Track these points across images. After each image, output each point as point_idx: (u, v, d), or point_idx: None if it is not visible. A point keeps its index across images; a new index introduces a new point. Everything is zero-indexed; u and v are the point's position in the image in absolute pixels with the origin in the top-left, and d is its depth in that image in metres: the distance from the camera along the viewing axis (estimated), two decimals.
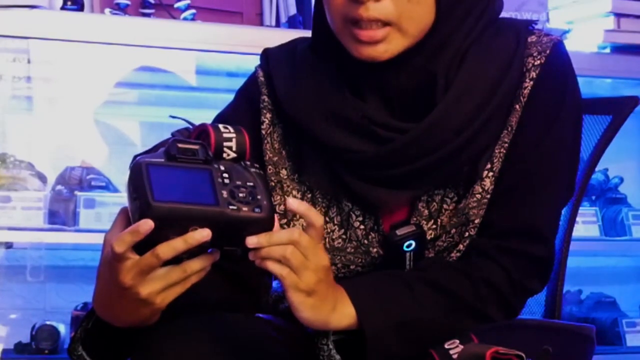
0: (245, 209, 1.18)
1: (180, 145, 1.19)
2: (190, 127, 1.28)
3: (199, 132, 1.24)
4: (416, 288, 1.33)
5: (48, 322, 2.64)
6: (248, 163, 1.23)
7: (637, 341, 3.04)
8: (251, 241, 1.18)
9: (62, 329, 2.65)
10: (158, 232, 1.14)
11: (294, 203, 1.22)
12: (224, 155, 1.22)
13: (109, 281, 1.19)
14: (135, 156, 1.22)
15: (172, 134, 1.28)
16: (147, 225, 1.13)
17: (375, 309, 1.30)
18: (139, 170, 1.16)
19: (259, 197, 1.20)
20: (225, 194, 1.18)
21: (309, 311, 1.25)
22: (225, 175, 1.20)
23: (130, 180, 1.17)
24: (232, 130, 1.24)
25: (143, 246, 1.15)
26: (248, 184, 1.20)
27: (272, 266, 1.21)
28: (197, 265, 1.18)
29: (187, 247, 1.15)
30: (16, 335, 2.69)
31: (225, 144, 1.23)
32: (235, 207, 1.17)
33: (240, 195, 1.19)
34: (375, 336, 1.29)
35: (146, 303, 1.19)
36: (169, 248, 1.14)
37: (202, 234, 1.15)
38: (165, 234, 1.15)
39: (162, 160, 1.18)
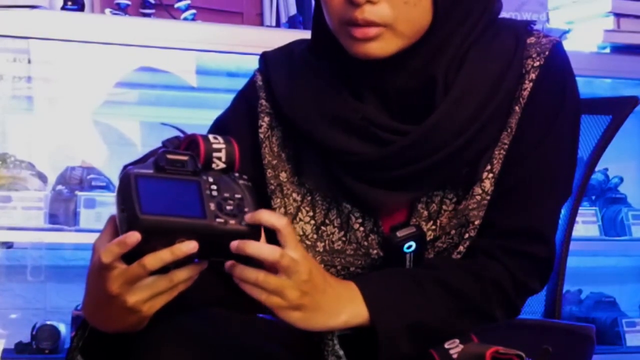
0: (232, 222, 1.19)
1: (169, 156, 1.20)
2: (181, 135, 1.28)
3: (189, 142, 1.24)
4: (427, 288, 1.33)
5: (48, 322, 2.65)
6: (237, 175, 1.24)
7: (637, 341, 3.04)
8: (233, 246, 1.18)
9: (63, 328, 2.66)
10: (145, 243, 1.15)
11: (250, 217, 1.19)
12: (213, 165, 1.23)
13: (97, 288, 1.20)
14: (125, 166, 1.22)
15: (163, 143, 1.28)
16: (134, 237, 1.14)
17: (388, 309, 1.30)
18: (127, 182, 1.17)
19: (246, 209, 1.20)
20: (212, 206, 1.19)
21: (301, 323, 1.25)
22: (214, 187, 1.20)
23: (119, 191, 1.17)
24: (221, 140, 1.24)
25: (131, 255, 1.16)
26: (236, 196, 1.21)
27: (250, 290, 1.21)
28: (183, 275, 1.18)
29: (174, 258, 1.16)
30: (17, 335, 2.69)
31: (214, 154, 1.23)
32: (222, 220, 1.18)
33: (228, 207, 1.19)
34: (388, 337, 1.29)
35: (133, 311, 1.19)
36: (155, 259, 1.15)
37: (189, 247, 1.15)
38: (153, 245, 1.16)
39: (151, 171, 1.19)
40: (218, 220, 1.18)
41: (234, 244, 1.18)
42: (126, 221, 1.15)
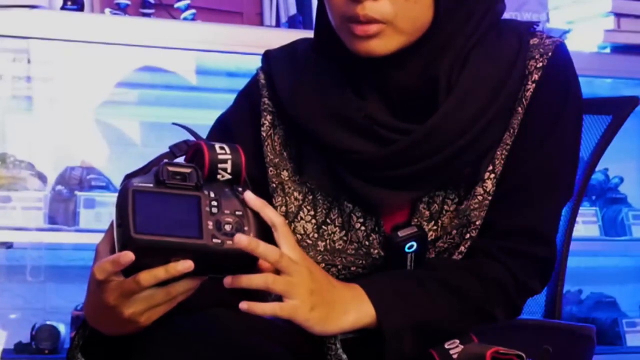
0: (229, 242, 1.16)
1: (170, 168, 1.18)
2: (190, 139, 1.27)
3: (195, 151, 1.23)
4: (430, 288, 1.33)
5: (48, 322, 2.65)
6: (240, 189, 1.22)
7: (637, 341, 3.04)
8: (227, 282, 1.18)
9: (62, 329, 2.65)
10: (140, 260, 1.14)
11: (250, 197, 1.20)
12: (218, 176, 1.21)
13: (95, 295, 1.20)
14: (127, 175, 1.21)
15: (170, 148, 1.27)
16: (127, 257, 1.13)
17: (394, 308, 1.30)
18: (125, 196, 1.15)
19: (245, 228, 1.19)
20: (210, 225, 1.17)
21: (320, 326, 1.25)
22: (214, 203, 1.18)
23: (117, 205, 1.16)
24: (228, 151, 1.22)
25: (128, 267, 1.15)
26: (236, 212, 1.19)
27: (263, 308, 1.20)
28: (182, 288, 1.18)
29: (169, 276, 1.15)
30: (16, 335, 2.69)
31: (219, 165, 1.21)
32: (219, 241, 1.16)
33: (226, 227, 1.17)
34: (393, 336, 1.29)
35: (130, 321, 1.19)
36: (150, 276, 1.15)
37: (184, 265, 1.14)
38: (149, 262, 1.14)
39: (150, 185, 1.17)
40: (215, 240, 1.16)
41: (227, 281, 1.17)
42: (121, 238, 1.14)
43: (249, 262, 1.19)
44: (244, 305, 1.19)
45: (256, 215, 1.21)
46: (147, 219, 1.14)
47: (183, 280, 1.17)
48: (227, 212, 1.18)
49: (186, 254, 1.15)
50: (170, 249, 1.14)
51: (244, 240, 1.17)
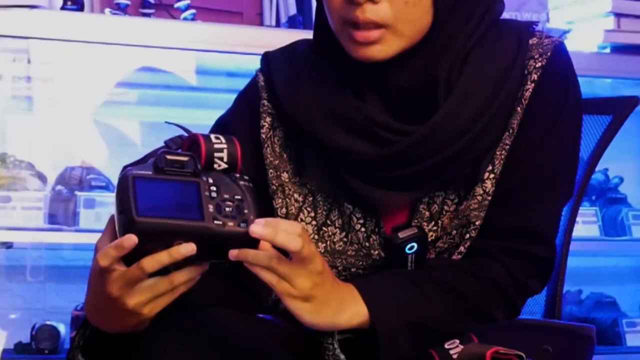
0: (230, 224, 1.17)
1: (168, 157, 1.19)
2: (185, 134, 1.28)
3: (191, 142, 1.24)
4: (426, 287, 1.33)
5: (48, 322, 2.65)
6: (238, 175, 1.23)
7: (637, 341, 3.04)
8: (232, 254, 1.18)
9: (62, 329, 2.65)
10: (143, 245, 1.14)
11: (258, 229, 1.17)
12: (215, 166, 1.22)
13: (97, 290, 1.20)
14: (125, 167, 1.22)
15: (165, 142, 1.28)
16: (130, 240, 1.14)
17: (387, 308, 1.30)
18: (125, 183, 1.16)
19: (245, 211, 1.19)
20: (211, 208, 1.18)
21: (309, 316, 1.25)
22: (213, 188, 1.20)
23: (117, 193, 1.17)
24: (223, 140, 1.23)
25: (130, 256, 1.16)
26: (236, 197, 1.20)
27: (262, 273, 1.20)
28: (184, 277, 1.18)
29: (172, 260, 1.15)
30: (16, 335, 2.69)
31: (216, 154, 1.22)
32: (220, 222, 1.17)
33: (227, 209, 1.18)
34: (388, 335, 1.29)
35: (133, 313, 1.19)
36: (153, 261, 1.15)
37: (187, 249, 1.15)
38: (151, 247, 1.15)
39: (150, 172, 1.18)
40: (216, 222, 1.17)
41: (233, 253, 1.17)
42: (123, 223, 1.15)
43: (250, 246, 1.19)
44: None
45: (256, 200, 1.22)
46: (149, 203, 1.15)
47: (185, 268, 1.18)
48: (226, 196, 1.20)
49: (188, 236, 1.15)
50: (172, 232, 1.15)
51: (259, 230, 1.16)
